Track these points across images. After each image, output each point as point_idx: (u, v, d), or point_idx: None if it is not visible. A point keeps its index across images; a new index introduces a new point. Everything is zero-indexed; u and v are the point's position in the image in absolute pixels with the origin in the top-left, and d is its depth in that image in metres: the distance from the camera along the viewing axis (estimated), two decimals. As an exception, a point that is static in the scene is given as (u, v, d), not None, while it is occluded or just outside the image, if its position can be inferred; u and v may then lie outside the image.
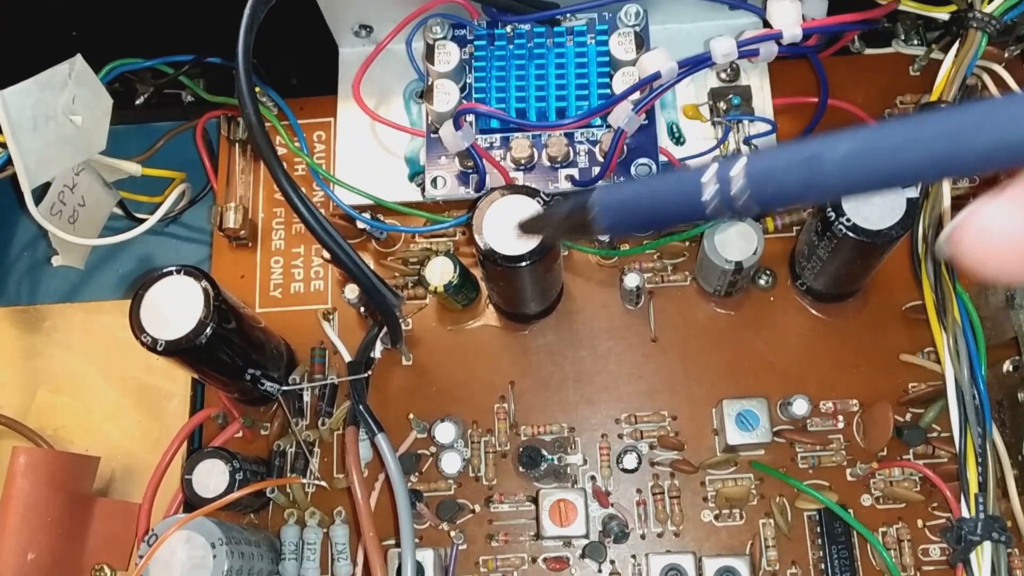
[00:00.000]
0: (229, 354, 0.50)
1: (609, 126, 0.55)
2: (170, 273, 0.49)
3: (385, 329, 0.54)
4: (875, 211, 0.48)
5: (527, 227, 0.41)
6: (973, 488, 0.48)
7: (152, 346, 0.47)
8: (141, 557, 0.46)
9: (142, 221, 0.62)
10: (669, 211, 0.30)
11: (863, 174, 0.24)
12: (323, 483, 0.55)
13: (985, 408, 0.49)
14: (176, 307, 0.48)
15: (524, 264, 0.48)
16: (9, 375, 0.62)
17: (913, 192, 0.48)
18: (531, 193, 0.49)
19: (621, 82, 0.55)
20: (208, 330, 0.47)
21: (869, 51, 0.63)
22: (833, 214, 0.48)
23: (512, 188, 0.50)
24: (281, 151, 0.63)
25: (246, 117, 0.42)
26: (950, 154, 0.22)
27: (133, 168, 0.62)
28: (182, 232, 0.68)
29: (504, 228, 0.49)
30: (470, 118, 0.55)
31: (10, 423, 0.58)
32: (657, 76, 0.52)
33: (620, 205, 0.32)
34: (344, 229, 0.58)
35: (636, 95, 0.53)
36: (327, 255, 0.56)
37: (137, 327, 0.48)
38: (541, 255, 0.48)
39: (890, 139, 0.23)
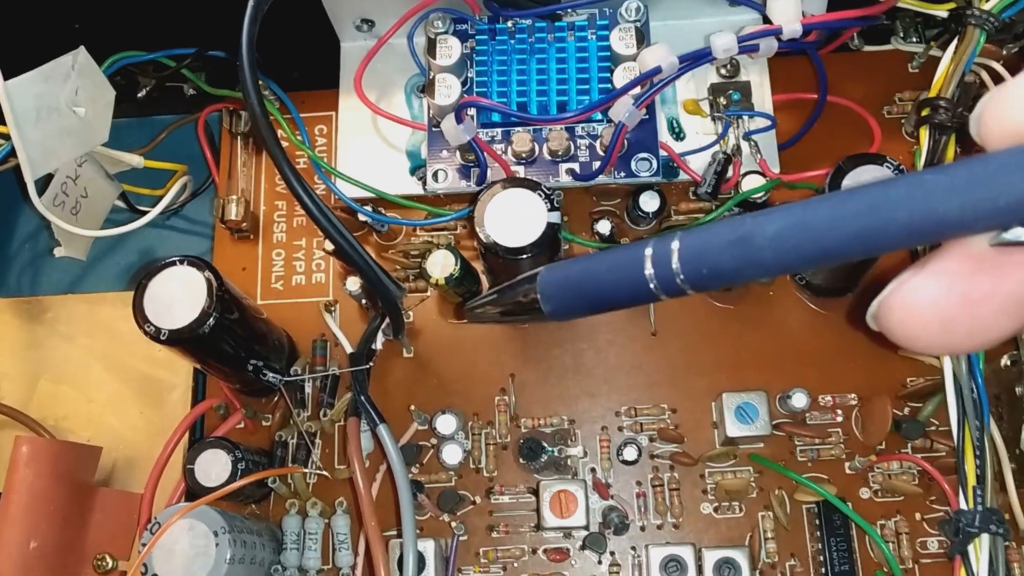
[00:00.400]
0: (232, 344, 0.51)
1: (610, 120, 0.55)
2: (173, 263, 0.49)
3: (386, 320, 0.54)
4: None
5: (474, 311, 0.42)
6: (971, 481, 0.49)
7: (155, 335, 0.48)
8: (144, 545, 0.47)
9: (144, 213, 0.62)
10: (612, 290, 0.30)
11: (794, 252, 0.24)
12: (325, 472, 0.55)
13: (983, 401, 0.49)
14: (179, 297, 0.48)
15: (526, 256, 0.49)
16: (11, 365, 0.62)
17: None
18: (532, 186, 0.50)
19: (622, 77, 0.55)
20: (211, 320, 0.47)
21: (868, 48, 0.63)
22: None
23: (514, 181, 0.50)
24: (283, 144, 0.63)
25: (250, 108, 0.42)
26: (874, 232, 0.22)
27: (135, 160, 0.62)
28: (183, 225, 0.68)
29: (506, 220, 0.49)
30: (471, 111, 0.55)
31: (12, 413, 0.58)
32: (658, 71, 0.52)
33: (563, 288, 0.32)
34: (346, 222, 0.58)
35: (637, 90, 0.53)
36: (328, 247, 0.57)
37: (140, 316, 0.48)
38: (543, 247, 0.49)
39: (817, 217, 0.23)
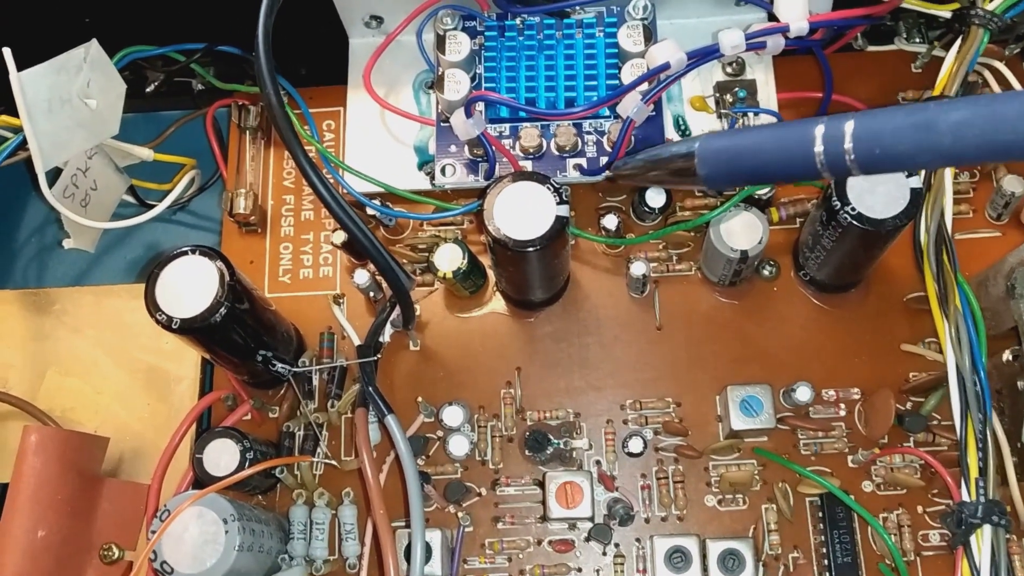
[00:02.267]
0: (242, 334, 0.51)
1: (618, 116, 0.56)
2: (185, 253, 0.49)
3: (395, 312, 0.55)
4: (879, 200, 0.49)
5: (625, 170, 0.40)
6: (974, 473, 0.49)
7: (167, 324, 0.48)
8: (153, 533, 0.47)
9: (152, 207, 0.62)
10: (775, 164, 0.29)
11: (976, 141, 0.24)
12: (333, 462, 0.56)
13: (986, 394, 0.50)
14: (191, 286, 0.48)
15: (533, 249, 0.49)
16: (19, 357, 0.62)
17: (917, 182, 0.49)
18: (541, 179, 0.50)
19: (630, 74, 0.56)
20: (223, 309, 0.48)
21: (872, 48, 0.64)
22: (839, 203, 0.49)
23: (523, 174, 0.50)
24: (291, 139, 0.64)
25: (266, 96, 0.42)
26: None
27: (145, 153, 0.63)
28: (191, 220, 0.69)
29: (515, 214, 0.49)
30: (480, 106, 0.56)
31: (20, 403, 0.58)
32: (666, 67, 0.53)
33: (723, 154, 0.32)
34: (354, 216, 0.58)
35: (644, 86, 0.54)
36: (336, 240, 0.57)
37: (152, 305, 0.48)
38: (550, 240, 0.49)
39: (1005, 109, 0.23)
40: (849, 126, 0.27)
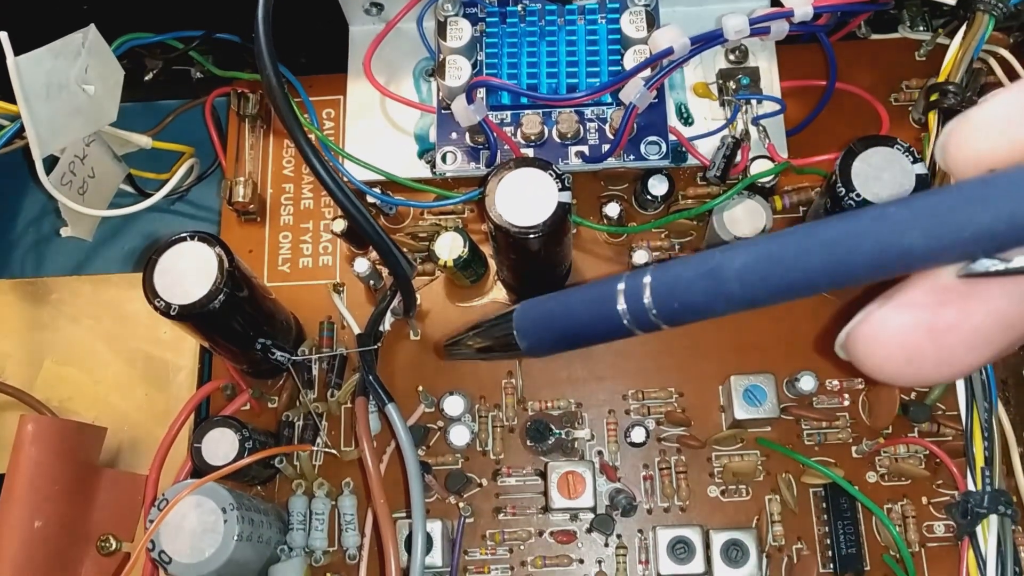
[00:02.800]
0: (241, 322, 0.50)
1: (620, 103, 0.55)
2: (184, 239, 0.49)
3: (396, 300, 0.54)
4: (885, 186, 0.49)
5: (453, 349, 0.43)
6: (979, 462, 0.49)
7: (165, 311, 0.47)
8: (151, 522, 0.47)
9: (151, 196, 0.62)
10: (586, 327, 0.30)
11: (762, 285, 0.24)
12: (333, 451, 0.55)
13: (991, 383, 0.49)
14: (190, 272, 0.48)
15: (535, 235, 0.49)
16: (15, 347, 0.62)
17: (922, 168, 0.49)
18: (544, 165, 0.49)
19: (632, 60, 0.55)
20: (221, 295, 0.47)
21: (875, 37, 0.63)
22: (843, 189, 0.49)
23: (525, 160, 0.50)
24: (291, 127, 0.63)
25: (266, 78, 0.42)
26: (840, 265, 0.22)
27: (143, 140, 0.62)
28: (189, 210, 0.68)
29: (517, 200, 0.49)
30: (482, 92, 0.55)
31: (16, 393, 0.58)
32: (669, 52, 0.52)
33: (539, 324, 0.32)
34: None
35: (647, 72, 0.54)
36: (336, 228, 0.56)
37: (151, 291, 0.48)
38: (552, 226, 0.49)
39: (783, 250, 0.23)
40: (647, 280, 0.27)
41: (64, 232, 0.59)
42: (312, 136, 0.60)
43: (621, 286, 0.27)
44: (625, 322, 0.27)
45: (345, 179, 0.58)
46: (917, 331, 0.22)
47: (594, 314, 0.29)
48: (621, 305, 0.27)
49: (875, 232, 0.21)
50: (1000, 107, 0.22)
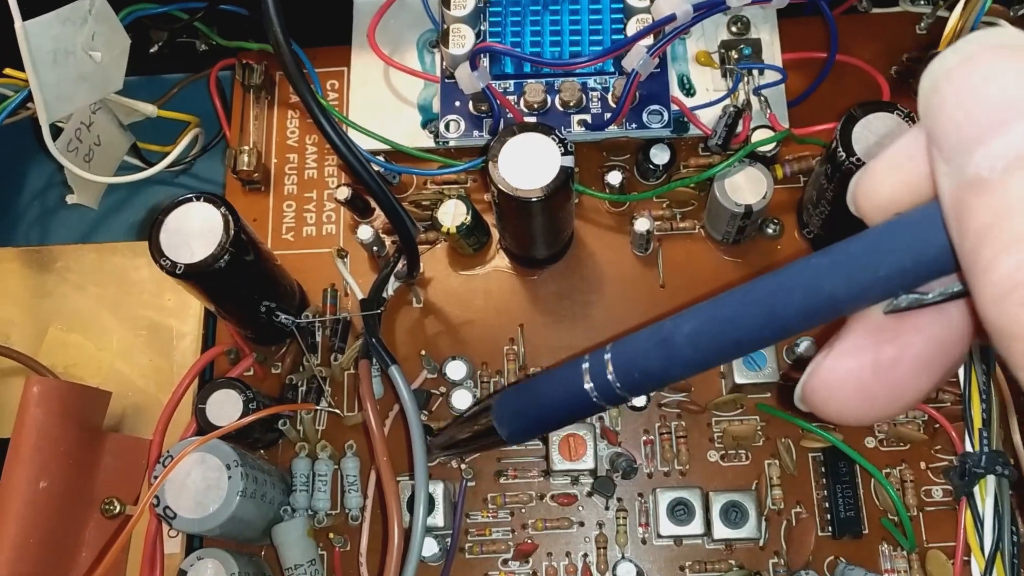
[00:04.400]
0: (246, 283, 0.51)
1: (622, 72, 0.56)
2: (190, 199, 0.49)
3: (400, 265, 0.55)
4: (885, 151, 0.49)
5: (437, 447, 0.46)
6: (977, 423, 0.49)
7: (171, 269, 0.48)
8: (156, 478, 0.47)
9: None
10: (559, 408, 0.32)
11: (712, 345, 0.25)
12: (336, 411, 0.56)
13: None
14: (196, 232, 0.48)
15: (538, 199, 0.49)
16: (21, 314, 0.62)
17: (922, 133, 0.49)
18: (546, 130, 0.50)
19: (635, 29, 0.56)
20: (227, 255, 0.48)
21: (876, 11, 0.64)
22: (844, 153, 0.49)
23: (528, 126, 0.50)
24: (294, 98, 0.64)
25: (273, 35, 0.42)
26: (777, 318, 0.24)
27: (149, 109, 0.63)
28: (194, 182, 0.69)
29: (520, 165, 0.49)
30: (485, 60, 0.56)
31: (22, 358, 0.58)
32: (672, 18, 0.52)
33: (516, 412, 0.35)
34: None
35: (649, 39, 0.54)
36: (340, 197, 0.57)
37: (156, 250, 0.48)
38: (555, 190, 0.49)
39: (725, 311, 0.25)
40: (608, 356, 0.28)
41: (70, 199, 0.60)
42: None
43: (586, 365, 0.29)
44: (594, 398, 0.29)
45: (349, 146, 0.58)
46: (863, 372, 0.23)
47: (564, 395, 0.31)
48: (588, 384, 0.29)
49: (802, 284, 0.23)
50: (894, 153, 0.23)
